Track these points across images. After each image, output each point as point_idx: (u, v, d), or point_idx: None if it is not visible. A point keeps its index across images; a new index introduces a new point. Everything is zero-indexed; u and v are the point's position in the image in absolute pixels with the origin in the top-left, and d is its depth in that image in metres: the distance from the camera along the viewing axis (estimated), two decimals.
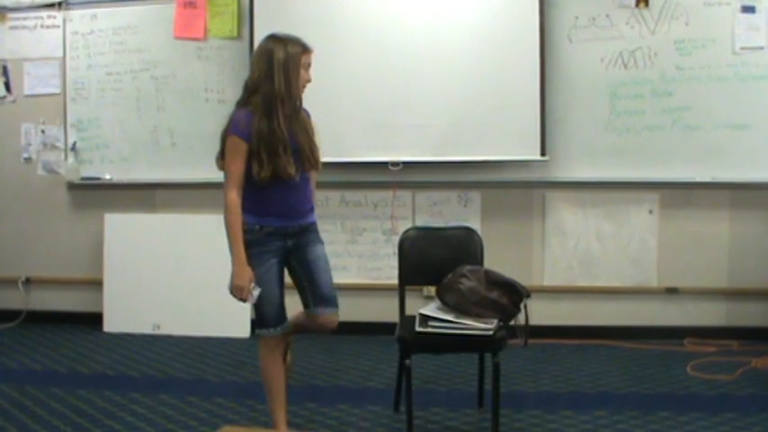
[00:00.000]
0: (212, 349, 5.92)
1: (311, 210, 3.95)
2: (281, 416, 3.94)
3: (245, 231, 3.77)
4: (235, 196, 3.73)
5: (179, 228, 6.43)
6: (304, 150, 3.80)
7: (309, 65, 3.83)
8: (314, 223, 3.95)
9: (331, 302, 3.91)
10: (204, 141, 6.27)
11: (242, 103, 3.82)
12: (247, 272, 3.73)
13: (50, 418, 4.42)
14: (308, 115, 3.93)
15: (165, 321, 6.34)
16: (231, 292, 3.77)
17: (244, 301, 3.77)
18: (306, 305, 3.93)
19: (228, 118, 3.81)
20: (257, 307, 3.84)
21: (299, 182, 3.81)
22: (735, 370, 5.21)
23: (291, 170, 3.71)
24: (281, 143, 3.68)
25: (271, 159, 3.67)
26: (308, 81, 3.83)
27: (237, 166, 3.72)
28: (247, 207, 3.77)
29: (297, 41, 3.80)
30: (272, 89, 3.70)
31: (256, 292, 3.74)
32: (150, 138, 6.46)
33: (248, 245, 3.76)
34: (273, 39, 3.79)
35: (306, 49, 3.81)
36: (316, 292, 3.88)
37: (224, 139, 3.79)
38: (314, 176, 4.01)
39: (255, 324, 3.92)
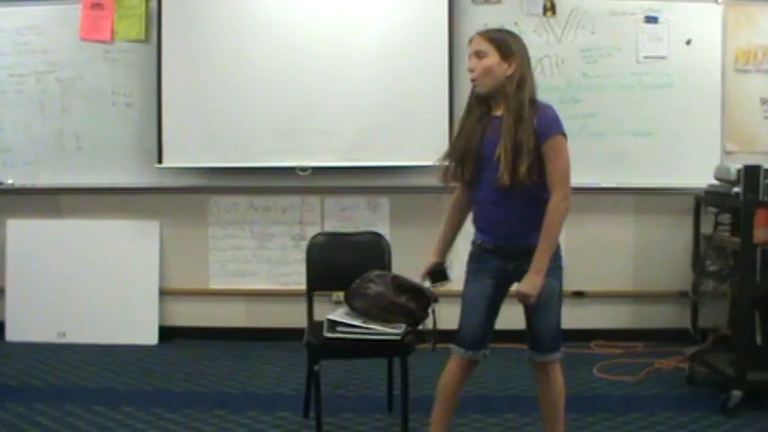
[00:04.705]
0: (119, 357, 5.81)
1: (534, 230, 3.42)
2: None
3: (471, 242, 3.71)
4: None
5: (84, 234, 6.29)
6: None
7: (470, 53, 3.69)
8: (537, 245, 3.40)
9: (543, 347, 3.53)
10: (111, 145, 6.20)
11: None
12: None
13: None
14: None
15: (71, 329, 6.20)
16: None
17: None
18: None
19: (544, 116, 3.47)
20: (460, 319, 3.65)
21: (503, 197, 3.46)
22: (640, 371, 5.34)
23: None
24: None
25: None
26: (470, 70, 3.69)
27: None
28: (473, 218, 3.71)
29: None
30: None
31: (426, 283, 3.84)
32: (55, 141, 6.28)
33: (470, 257, 3.70)
34: None
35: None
36: (531, 332, 3.57)
37: (544, 142, 3.48)
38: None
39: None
